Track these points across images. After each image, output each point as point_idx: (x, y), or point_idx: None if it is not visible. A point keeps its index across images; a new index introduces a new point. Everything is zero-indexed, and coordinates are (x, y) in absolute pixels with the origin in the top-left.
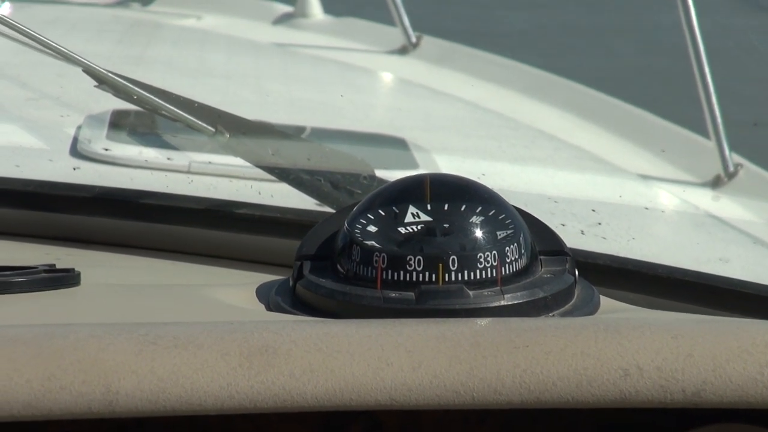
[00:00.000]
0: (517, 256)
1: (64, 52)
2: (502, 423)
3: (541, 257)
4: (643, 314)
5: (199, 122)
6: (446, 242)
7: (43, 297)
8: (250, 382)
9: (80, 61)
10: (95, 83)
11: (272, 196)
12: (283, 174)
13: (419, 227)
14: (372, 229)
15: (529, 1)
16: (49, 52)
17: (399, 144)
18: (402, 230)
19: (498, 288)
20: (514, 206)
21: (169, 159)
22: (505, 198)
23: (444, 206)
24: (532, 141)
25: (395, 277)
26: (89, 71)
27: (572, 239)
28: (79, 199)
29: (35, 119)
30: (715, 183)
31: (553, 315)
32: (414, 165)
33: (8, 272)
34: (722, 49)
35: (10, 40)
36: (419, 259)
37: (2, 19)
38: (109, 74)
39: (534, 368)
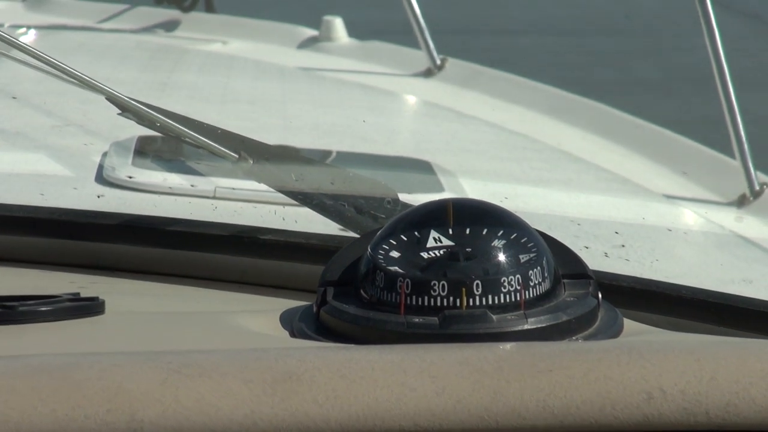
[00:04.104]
0: (540, 280)
1: (86, 80)
2: None
3: (564, 280)
4: (667, 337)
5: (222, 149)
6: (469, 267)
7: (68, 326)
8: (274, 409)
9: (103, 88)
10: (118, 111)
11: (296, 221)
12: (306, 199)
13: (442, 252)
14: (395, 254)
15: (552, 27)
16: (72, 80)
17: (424, 167)
18: (425, 255)
19: (521, 312)
20: (536, 230)
21: (192, 185)
22: (528, 221)
23: (466, 230)
24: (556, 163)
25: (419, 302)
26: (112, 99)
27: (596, 261)
28: (104, 227)
29: (60, 147)
30: (741, 202)
31: (577, 338)
32: (439, 188)
33: (33, 301)
34: (741, 70)
35: (34, 69)
36: (443, 284)
37: (25, 48)
38: (132, 102)
39: (557, 392)
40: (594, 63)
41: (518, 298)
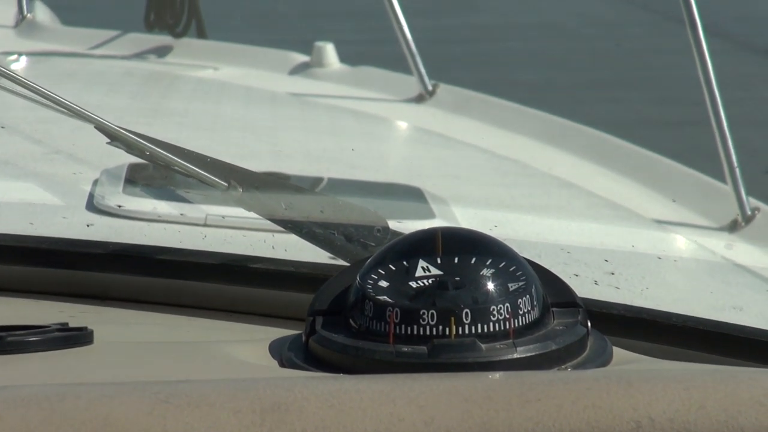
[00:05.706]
0: (529, 308)
1: (75, 109)
2: None
3: (553, 309)
4: (655, 365)
5: (212, 177)
6: (458, 296)
7: (56, 356)
8: None
9: (92, 118)
10: (107, 140)
11: (286, 250)
12: (296, 228)
13: (431, 281)
14: (384, 283)
15: (542, 56)
16: (62, 109)
17: (415, 194)
18: (413, 284)
19: (510, 341)
20: (525, 258)
21: (182, 214)
22: (518, 249)
23: (455, 260)
24: (547, 189)
25: (408, 332)
26: (101, 128)
27: (586, 289)
28: (94, 256)
29: (49, 176)
30: (732, 227)
31: (566, 367)
32: (430, 215)
33: (22, 332)
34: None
35: (23, 98)
36: (432, 313)
37: (14, 77)
38: (121, 131)
39: (546, 422)
40: (584, 90)
41: (507, 327)
